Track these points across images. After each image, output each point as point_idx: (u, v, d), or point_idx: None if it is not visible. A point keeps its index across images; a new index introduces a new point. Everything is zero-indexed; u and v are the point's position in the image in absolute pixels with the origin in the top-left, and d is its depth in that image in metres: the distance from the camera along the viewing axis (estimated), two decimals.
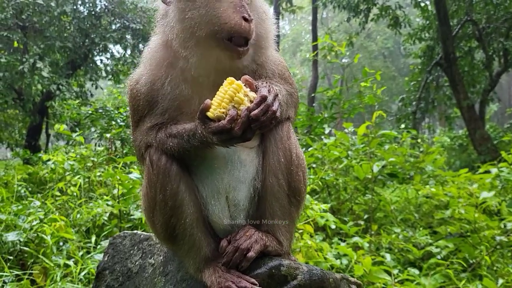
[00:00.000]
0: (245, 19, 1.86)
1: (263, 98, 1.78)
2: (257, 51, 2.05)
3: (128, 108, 2.21)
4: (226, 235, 2.03)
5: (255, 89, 1.85)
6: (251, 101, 1.78)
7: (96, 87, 17.41)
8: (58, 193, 6.34)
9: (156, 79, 2.05)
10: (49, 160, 7.48)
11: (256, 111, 1.75)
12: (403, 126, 11.57)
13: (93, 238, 4.72)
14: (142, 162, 2.10)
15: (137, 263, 2.24)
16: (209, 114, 1.79)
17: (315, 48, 17.33)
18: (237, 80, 1.82)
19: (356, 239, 4.85)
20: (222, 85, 1.82)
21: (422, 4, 17.72)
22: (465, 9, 16.33)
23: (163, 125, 2.03)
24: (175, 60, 2.01)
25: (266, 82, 1.92)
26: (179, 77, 2.02)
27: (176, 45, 1.95)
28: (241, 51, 1.91)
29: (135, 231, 2.36)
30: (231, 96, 1.77)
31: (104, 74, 17.69)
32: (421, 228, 5.69)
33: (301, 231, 4.43)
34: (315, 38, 20.51)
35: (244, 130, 1.76)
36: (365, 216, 5.99)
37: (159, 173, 1.95)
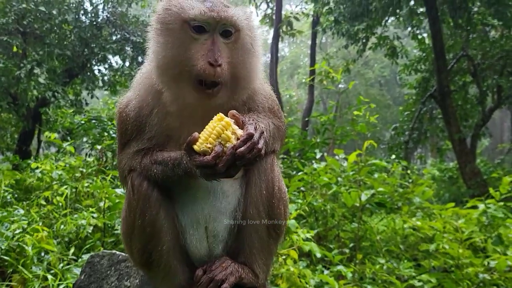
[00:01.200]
0: (211, 64, 1.84)
1: (249, 136, 1.77)
2: (238, 89, 2.02)
3: (116, 130, 2.21)
4: (202, 264, 2.02)
5: (241, 124, 1.85)
6: (238, 139, 1.78)
7: (92, 97, 17.40)
8: (43, 202, 6.27)
9: (144, 105, 2.06)
10: (37, 168, 7.42)
11: (242, 149, 1.74)
12: (393, 156, 11.67)
13: (74, 251, 4.67)
14: (125, 185, 2.10)
15: (113, 284, 2.22)
16: (195, 147, 1.79)
17: (312, 72, 17.52)
18: (226, 115, 1.83)
19: (340, 267, 4.83)
20: (212, 119, 1.82)
21: (420, 37, 18.05)
22: (461, 44, 16.63)
23: (150, 150, 2.03)
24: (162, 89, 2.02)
25: (253, 119, 1.91)
26: (166, 108, 2.03)
27: (154, 78, 1.98)
28: (209, 93, 1.91)
29: (114, 251, 2.34)
30: (218, 133, 1.77)
31: (101, 84, 17.71)
32: (405, 260, 5.67)
33: (284, 256, 4.41)
34: (313, 62, 20.73)
35: (228, 167, 1.76)
36: (351, 245, 5.97)
37: (139, 199, 1.95)
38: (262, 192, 2.02)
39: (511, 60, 16.10)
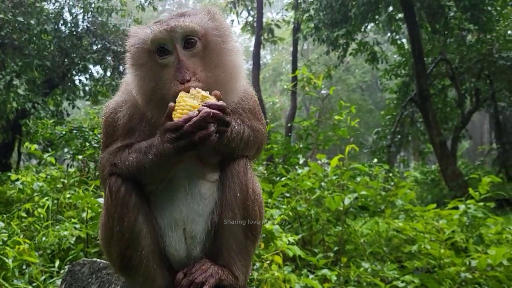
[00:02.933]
0: (181, 83, 1.89)
1: (222, 104, 1.85)
2: (227, 92, 2.01)
3: (101, 132, 2.22)
4: (182, 267, 2.03)
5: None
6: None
7: (73, 107, 17.21)
8: (24, 214, 6.17)
9: (134, 114, 2.09)
10: (17, 179, 7.30)
11: (210, 110, 1.81)
12: (375, 160, 11.79)
13: (57, 263, 4.61)
14: (104, 187, 2.10)
15: None
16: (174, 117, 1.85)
17: (294, 78, 17.63)
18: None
19: (325, 271, 4.85)
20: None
21: (399, 42, 18.35)
22: (439, 49, 16.97)
23: (132, 144, 2.05)
24: None
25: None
26: (154, 121, 2.05)
27: (139, 102, 2.03)
28: None
29: (95, 259, 2.33)
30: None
31: (82, 94, 17.52)
32: (389, 262, 5.72)
33: (268, 261, 4.42)
34: (295, 69, 20.86)
35: (196, 129, 1.79)
36: (335, 248, 6.00)
37: (117, 204, 1.96)
38: (237, 194, 2.05)
39: (487, 63, 16.46)
